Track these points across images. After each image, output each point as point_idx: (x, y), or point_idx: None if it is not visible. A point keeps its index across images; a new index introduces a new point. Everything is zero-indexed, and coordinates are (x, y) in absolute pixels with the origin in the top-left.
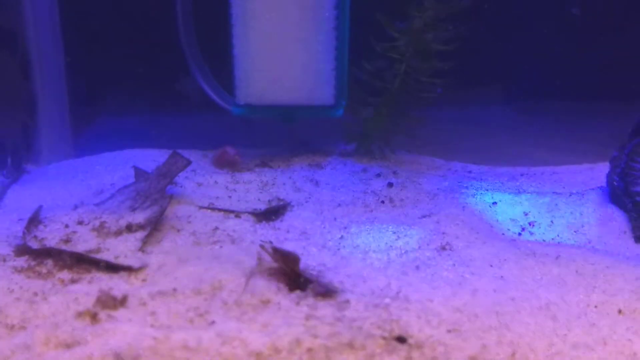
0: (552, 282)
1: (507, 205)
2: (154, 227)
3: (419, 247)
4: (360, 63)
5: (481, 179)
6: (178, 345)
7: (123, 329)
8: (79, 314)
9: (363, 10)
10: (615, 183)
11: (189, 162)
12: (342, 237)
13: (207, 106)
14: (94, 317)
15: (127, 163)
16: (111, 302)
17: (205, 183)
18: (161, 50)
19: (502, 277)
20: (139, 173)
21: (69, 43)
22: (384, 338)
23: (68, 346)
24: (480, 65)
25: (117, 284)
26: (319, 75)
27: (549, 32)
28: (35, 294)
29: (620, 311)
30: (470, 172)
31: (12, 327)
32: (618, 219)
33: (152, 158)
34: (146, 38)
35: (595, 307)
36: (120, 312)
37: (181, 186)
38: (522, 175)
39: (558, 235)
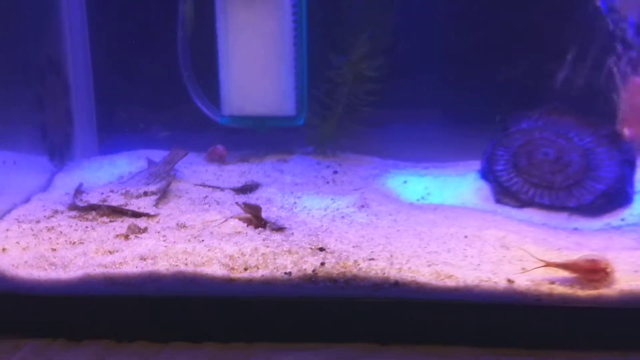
0: (427, 222)
1: (414, 183)
2: (162, 194)
3: (347, 206)
4: (316, 84)
5: (403, 169)
6: (180, 250)
7: (145, 243)
8: (117, 236)
9: (317, 45)
10: (484, 165)
11: (186, 153)
12: (295, 202)
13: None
14: (126, 237)
15: (140, 158)
16: (137, 229)
17: (199, 171)
18: (169, 73)
19: (395, 220)
20: (151, 162)
21: (97, 69)
22: (311, 249)
23: (110, 252)
24: (421, 89)
25: (140, 222)
26: (282, 93)
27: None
28: (87, 227)
29: (465, 236)
30: (397, 165)
31: (74, 243)
32: (485, 189)
33: (159, 155)
34: (159, 62)
35: (450, 234)
36: (143, 235)
37: (181, 172)
38: (435, 167)
39: (443, 200)
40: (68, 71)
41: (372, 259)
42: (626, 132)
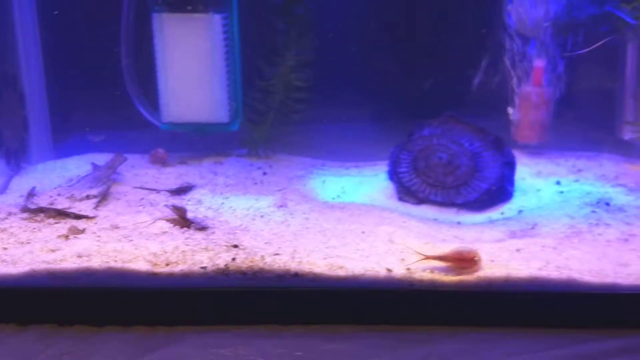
0: (334, 219)
1: (332, 183)
2: (103, 197)
3: (267, 206)
4: (251, 93)
5: (327, 169)
6: (111, 249)
7: (82, 242)
8: (59, 236)
9: (250, 57)
10: (390, 167)
11: (125, 159)
12: (222, 203)
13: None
14: (66, 238)
15: (89, 162)
16: (76, 230)
17: (140, 174)
18: (116, 83)
19: (307, 218)
20: (95, 167)
21: (50, 80)
22: (227, 246)
23: (53, 251)
24: (352, 93)
25: (80, 224)
26: (216, 101)
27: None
28: (34, 228)
29: (363, 232)
30: (323, 165)
31: (22, 242)
32: (390, 188)
33: (105, 159)
34: (106, 73)
35: (351, 230)
36: (81, 236)
37: (123, 175)
38: (356, 167)
39: (355, 199)
40: (24, 84)
41: (277, 253)
42: (510, 111)
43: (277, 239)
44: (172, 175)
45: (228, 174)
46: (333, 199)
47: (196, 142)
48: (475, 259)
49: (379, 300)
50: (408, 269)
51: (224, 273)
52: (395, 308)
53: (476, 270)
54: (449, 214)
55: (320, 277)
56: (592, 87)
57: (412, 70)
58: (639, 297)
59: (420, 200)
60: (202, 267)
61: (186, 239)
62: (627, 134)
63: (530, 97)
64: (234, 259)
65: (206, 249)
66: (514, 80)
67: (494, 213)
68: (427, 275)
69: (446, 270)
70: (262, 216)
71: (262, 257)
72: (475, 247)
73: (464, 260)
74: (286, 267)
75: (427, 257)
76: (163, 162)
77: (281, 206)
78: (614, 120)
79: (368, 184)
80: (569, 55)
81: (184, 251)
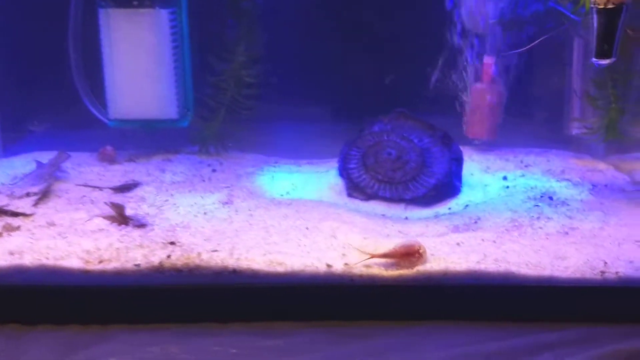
0: (279, 216)
1: (282, 179)
2: (43, 194)
3: (212, 203)
4: (202, 89)
5: (279, 166)
6: (44, 246)
7: (15, 240)
8: None
9: (201, 53)
10: (340, 163)
11: (69, 156)
12: (166, 200)
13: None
14: (0, 235)
15: (34, 160)
16: (11, 228)
17: (85, 171)
18: (65, 81)
19: (251, 215)
20: (39, 165)
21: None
22: (163, 243)
23: None
24: (309, 90)
25: (16, 221)
26: (164, 98)
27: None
28: None
29: (307, 228)
30: (276, 163)
31: None
32: (340, 184)
33: (50, 156)
34: (56, 72)
35: (295, 226)
36: (15, 233)
37: (68, 173)
38: (309, 164)
39: (304, 195)
40: None
41: (216, 250)
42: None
43: (218, 235)
44: (119, 173)
45: (176, 171)
46: (281, 195)
47: (147, 140)
48: (420, 251)
49: (318, 296)
50: (346, 264)
51: (159, 270)
52: (335, 304)
53: (422, 263)
54: (398, 210)
55: (259, 273)
56: (543, 84)
57: (370, 68)
58: (575, 290)
59: (369, 196)
60: (135, 265)
61: (122, 236)
62: (574, 130)
63: (480, 94)
64: (169, 256)
65: (141, 246)
66: (465, 77)
67: (441, 208)
68: (367, 271)
69: (390, 265)
70: (205, 213)
71: (199, 254)
72: (419, 241)
73: (409, 255)
74: (224, 263)
75: (373, 256)
76: (111, 160)
77: (226, 203)
78: (562, 116)
79: (318, 181)
80: (514, 52)
81: (118, 248)
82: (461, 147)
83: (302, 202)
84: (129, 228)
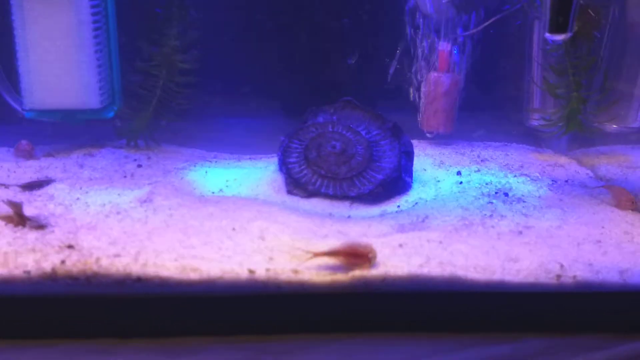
0: (204, 216)
1: (216, 175)
2: None
3: (130, 202)
4: (131, 76)
5: (216, 161)
6: None
7: None
8: None
9: (130, 36)
10: (279, 157)
11: None
12: (78, 198)
13: None
14: None
15: None
16: None
17: None
18: None
19: (171, 215)
20: None
21: None
22: (60, 246)
23: None
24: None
25: None
26: (84, 85)
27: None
28: None
29: (233, 229)
30: (215, 158)
31: None
32: (279, 180)
33: None
34: None
35: (220, 227)
36: None
37: None
38: (251, 159)
39: (239, 193)
40: None
41: (118, 255)
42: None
43: (126, 238)
44: (32, 169)
45: (96, 167)
46: (213, 192)
47: (70, 133)
48: (370, 255)
49: (237, 307)
50: (268, 269)
51: (51, 278)
52: (258, 315)
53: (369, 268)
54: (342, 208)
55: (168, 281)
56: (502, 72)
57: (320, 59)
58: (528, 295)
59: (310, 193)
60: (25, 272)
61: (15, 238)
62: (534, 121)
63: (435, 83)
64: (63, 262)
65: (34, 250)
66: (419, 66)
67: (389, 206)
68: (295, 277)
69: (336, 268)
70: (118, 213)
71: (98, 259)
72: (364, 242)
73: (357, 256)
74: (127, 270)
75: (317, 255)
76: (28, 155)
77: (145, 201)
78: (522, 107)
79: (257, 176)
80: (467, 33)
81: (6, 252)
82: (415, 141)
83: (233, 199)
84: (26, 229)
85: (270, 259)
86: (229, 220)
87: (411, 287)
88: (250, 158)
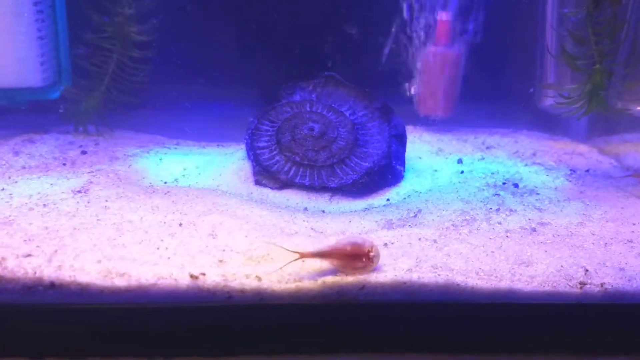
0: (146, 209)
1: (172, 162)
2: None
3: (62, 192)
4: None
5: (176, 148)
6: None
7: None
8: None
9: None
10: (247, 141)
11: None
12: (3, 189)
13: None
14: None
15: None
16: None
17: None
18: None
19: (107, 207)
20: None
21: None
22: None
23: None
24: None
25: None
26: (22, 61)
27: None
28: None
29: (180, 224)
30: (177, 144)
31: None
32: (246, 169)
33: None
34: None
35: (164, 222)
36: None
37: None
38: (218, 146)
39: (197, 183)
40: None
41: (30, 255)
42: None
43: (45, 234)
44: None
45: (34, 154)
46: (165, 182)
47: (13, 116)
48: (371, 254)
49: (176, 322)
50: (202, 274)
51: None
52: (203, 332)
53: (369, 271)
54: (320, 201)
55: (89, 288)
56: (511, 48)
57: (295, 40)
58: (544, 307)
59: (283, 184)
60: None
61: None
62: (547, 100)
63: (434, 59)
64: None
65: None
66: (415, 41)
67: (377, 199)
68: (251, 284)
69: (328, 272)
70: (44, 205)
71: (3, 259)
72: (365, 238)
73: (354, 257)
74: (38, 274)
75: (304, 256)
76: None
77: (79, 192)
78: (534, 83)
79: (220, 164)
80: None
81: None
82: (410, 127)
83: (186, 190)
84: None
85: (220, 261)
86: (177, 215)
87: (397, 296)
88: (218, 145)
